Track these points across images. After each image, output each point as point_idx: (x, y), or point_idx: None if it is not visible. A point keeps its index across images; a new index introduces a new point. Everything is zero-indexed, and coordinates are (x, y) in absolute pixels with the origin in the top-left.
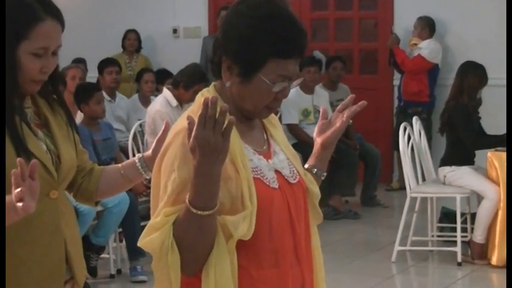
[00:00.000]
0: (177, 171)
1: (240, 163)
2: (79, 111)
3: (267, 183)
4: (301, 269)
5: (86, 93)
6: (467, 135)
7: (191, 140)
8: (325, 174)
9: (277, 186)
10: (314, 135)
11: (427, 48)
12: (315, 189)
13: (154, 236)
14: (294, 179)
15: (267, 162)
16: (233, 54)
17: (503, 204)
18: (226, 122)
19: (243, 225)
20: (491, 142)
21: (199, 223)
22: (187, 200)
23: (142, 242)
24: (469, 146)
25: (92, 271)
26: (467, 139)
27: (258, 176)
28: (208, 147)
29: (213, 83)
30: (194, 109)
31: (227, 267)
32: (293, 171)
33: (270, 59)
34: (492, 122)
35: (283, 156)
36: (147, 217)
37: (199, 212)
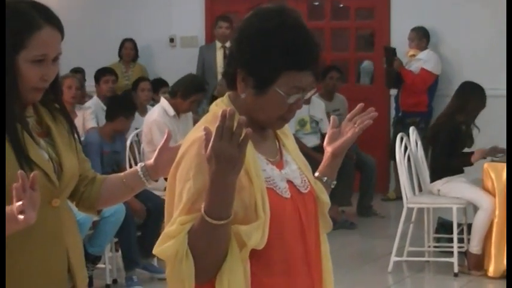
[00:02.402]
0: (192, 180)
1: (253, 173)
2: (77, 117)
3: (280, 193)
4: (311, 277)
5: (124, 106)
6: (442, 157)
7: (208, 150)
8: (334, 182)
9: (289, 196)
10: (324, 144)
11: (429, 61)
12: (325, 198)
13: (169, 244)
14: (305, 189)
15: (280, 172)
16: (247, 67)
17: (498, 214)
18: (243, 134)
19: (256, 235)
20: (461, 163)
21: (213, 232)
22: (202, 210)
23: (158, 249)
24: (440, 167)
25: (88, 281)
26: (442, 159)
27: (271, 186)
28: (224, 158)
29: (227, 93)
30: (209, 118)
31: (240, 276)
32: (304, 180)
33: (284, 71)
34: (486, 132)
35: (295, 166)
36: (142, 227)
37: (214, 222)
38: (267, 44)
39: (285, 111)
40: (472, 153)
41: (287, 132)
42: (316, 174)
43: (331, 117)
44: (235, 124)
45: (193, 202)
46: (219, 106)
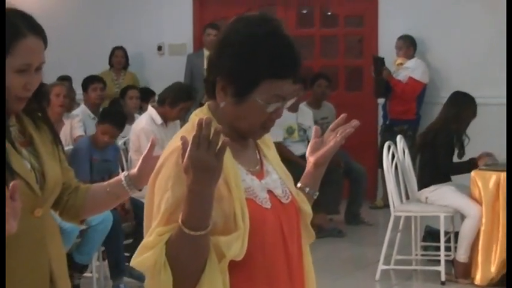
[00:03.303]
0: (170, 190)
1: (233, 183)
2: (64, 126)
3: (260, 204)
4: None
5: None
6: (445, 162)
7: (185, 159)
8: (317, 193)
9: (269, 207)
10: (307, 153)
11: (417, 70)
12: (307, 208)
13: (147, 255)
14: (287, 199)
15: (260, 183)
16: (227, 74)
17: (485, 222)
18: (220, 143)
19: (235, 246)
20: (464, 169)
21: (192, 243)
22: (180, 220)
23: (136, 261)
24: (444, 171)
25: None
26: (444, 165)
27: (251, 197)
28: (201, 167)
29: (206, 103)
30: (188, 128)
31: (219, 287)
32: (285, 190)
33: (264, 79)
34: (475, 142)
35: (276, 176)
36: (130, 235)
37: (191, 232)
38: (247, 52)
39: (264, 120)
40: (472, 160)
41: (268, 142)
42: (299, 185)
43: (314, 127)
44: (212, 133)
45: (172, 212)
46: (198, 116)
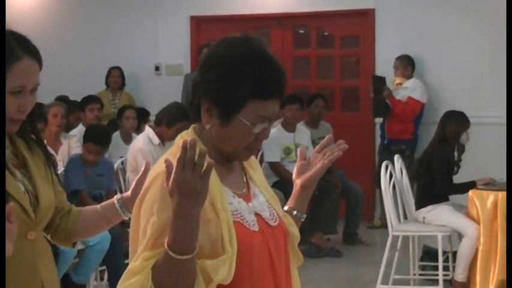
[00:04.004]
0: (156, 214)
1: (219, 206)
2: (62, 146)
3: (247, 226)
4: None
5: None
6: (443, 184)
7: (170, 182)
8: (305, 216)
9: (257, 229)
10: (293, 176)
11: (416, 89)
12: (295, 231)
13: (133, 280)
14: (274, 222)
15: (247, 205)
16: (211, 96)
17: (483, 242)
18: (205, 165)
19: (222, 269)
20: (463, 189)
21: (178, 267)
22: (166, 244)
23: (122, 286)
24: (443, 192)
25: None
26: (442, 186)
27: (238, 220)
28: (187, 189)
29: (192, 126)
30: (174, 151)
31: None
32: (273, 213)
33: (249, 100)
34: (473, 160)
35: (263, 199)
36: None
37: (178, 256)
38: (231, 73)
39: (251, 141)
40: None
41: (254, 164)
42: (286, 207)
43: (298, 150)
44: (197, 155)
45: (157, 237)
46: (184, 138)
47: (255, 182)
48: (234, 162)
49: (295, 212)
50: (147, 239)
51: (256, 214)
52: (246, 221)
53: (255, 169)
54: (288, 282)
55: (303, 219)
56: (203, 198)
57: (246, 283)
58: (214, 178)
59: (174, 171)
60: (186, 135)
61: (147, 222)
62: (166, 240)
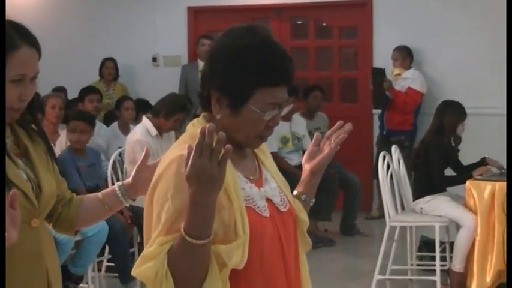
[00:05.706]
0: (171, 200)
1: (233, 192)
2: (60, 137)
3: (259, 212)
4: None
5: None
6: (438, 176)
7: (188, 168)
8: (313, 200)
9: (268, 215)
10: (303, 161)
11: (416, 80)
12: (304, 216)
13: (148, 265)
14: (285, 207)
15: (259, 191)
16: (221, 87)
17: (480, 232)
18: (222, 151)
19: (236, 255)
20: (459, 181)
21: (193, 252)
22: (182, 229)
23: (137, 271)
24: (438, 184)
25: None
26: (437, 178)
27: (250, 205)
28: (204, 176)
29: (202, 114)
30: (185, 139)
31: None
32: (283, 199)
33: (257, 88)
34: (472, 151)
35: (274, 184)
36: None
37: (194, 241)
38: (239, 62)
39: (262, 129)
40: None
41: (265, 150)
42: (295, 192)
43: (315, 134)
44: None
45: (172, 222)
46: (196, 126)
47: (267, 168)
48: (245, 149)
49: (304, 197)
50: (162, 225)
51: (268, 199)
52: (258, 207)
53: (266, 155)
54: (297, 267)
55: (311, 204)
56: (220, 184)
57: (257, 268)
58: (228, 164)
59: (192, 157)
60: (198, 123)
61: (162, 209)
62: (182, 225)
